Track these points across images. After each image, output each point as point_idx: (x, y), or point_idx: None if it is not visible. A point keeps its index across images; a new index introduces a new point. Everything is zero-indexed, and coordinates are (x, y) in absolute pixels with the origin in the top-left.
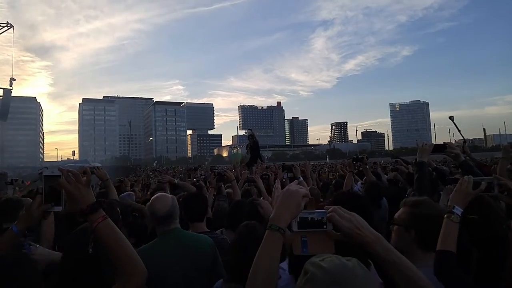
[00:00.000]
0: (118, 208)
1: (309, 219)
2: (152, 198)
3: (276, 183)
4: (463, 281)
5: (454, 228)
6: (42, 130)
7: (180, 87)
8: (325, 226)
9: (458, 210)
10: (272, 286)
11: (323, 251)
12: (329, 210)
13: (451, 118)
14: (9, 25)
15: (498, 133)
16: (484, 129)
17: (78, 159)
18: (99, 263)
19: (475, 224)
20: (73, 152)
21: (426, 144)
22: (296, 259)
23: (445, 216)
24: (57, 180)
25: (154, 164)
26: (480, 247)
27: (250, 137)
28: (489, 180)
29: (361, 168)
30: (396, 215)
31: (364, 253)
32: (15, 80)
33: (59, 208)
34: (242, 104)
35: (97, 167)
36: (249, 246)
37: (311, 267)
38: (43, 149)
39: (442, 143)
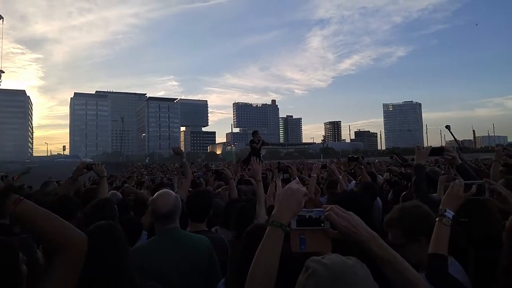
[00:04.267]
0: (115, 205)
1: (307, 217)
2: (156, 194)
3: (275, 181)
4: (453, 284)
5: (445, 231)
6: (31, 124)
7: (175, 83)
8: (322, 225)
9: (450, 213)
10: (272, 281)
11: (320, 248)
12: (327, 208)
13: (447, 127)
14: None
15: (487, 134)
16: (473, 131)
17: (68, 154)
18: None
19: (472, 225)
20: (64, 147)
21: (423, 148)
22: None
23: (437, 219)
24: None
25: (146, 160)
26: (477, 248)
27: (258, 137)
28: (480, 183)
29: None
30: (392, 240)
31: (360, 252)
32: (3, 72)
33: None
34: (236, 102)
35: (97, 163)
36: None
37: (313, 263)
38: (32, 144)
39: (439, 146)
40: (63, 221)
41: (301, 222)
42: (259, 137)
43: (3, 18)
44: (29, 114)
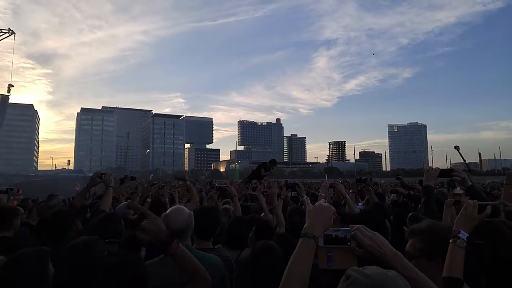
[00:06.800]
0: (122, 220)
1: (334, 236)
2: (169, 210)
3: (305, 198)
4: None
5: (460, 254)
6: (38, 138)
7: (181, 100)
8: (349, 243)
9: (464, 235)
10: None
11: (346, 265)
12: (354, 228)
13: (456, 148)
14: (10, 31)
15: (493, 158)
16: (479, 154)
17: (72, 168)
18: None
19: (483, 247)
20: (68, 161)
21: (432, 169)
22: None
23: (450, 241)
24: None
25: (150, 177)
26: (489, 271)
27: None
28: (495, 204)
29: (362, 189)
30: (409, 249)
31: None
32: (13, 86)
33: None
34: (241, 120)
35: (107, 173)
36: (268, 264)
37: (354, 272)
38: (37, 157)
39: (448, 168)
40: (199, 264)
41: (328, 240)
42: (272, 168)
43: (15, 33)
44: (36, 128)
